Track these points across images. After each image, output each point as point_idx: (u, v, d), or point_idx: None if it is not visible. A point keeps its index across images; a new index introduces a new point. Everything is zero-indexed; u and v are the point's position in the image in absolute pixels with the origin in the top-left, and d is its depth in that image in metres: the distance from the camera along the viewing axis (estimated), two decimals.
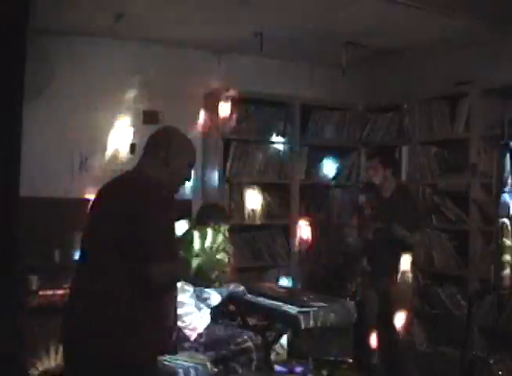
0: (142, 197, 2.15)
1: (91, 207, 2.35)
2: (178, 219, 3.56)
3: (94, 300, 2.14)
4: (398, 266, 4.00)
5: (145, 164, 2.33)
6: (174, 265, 2.23)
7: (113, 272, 2.13)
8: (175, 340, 2.37)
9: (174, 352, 2.42)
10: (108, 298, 2.11)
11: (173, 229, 2.24)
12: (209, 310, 3.56)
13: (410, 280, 4.13)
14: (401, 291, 4.00)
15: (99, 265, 2.16)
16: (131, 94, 4.54)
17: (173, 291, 2.37)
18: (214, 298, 3.54)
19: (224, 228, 3.67)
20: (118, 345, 2.10)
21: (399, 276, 4.00)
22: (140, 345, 2.12)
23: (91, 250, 2.23)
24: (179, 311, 3.39)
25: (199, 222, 3.65)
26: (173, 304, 2.37)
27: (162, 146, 2.32)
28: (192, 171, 2.43)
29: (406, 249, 4.06)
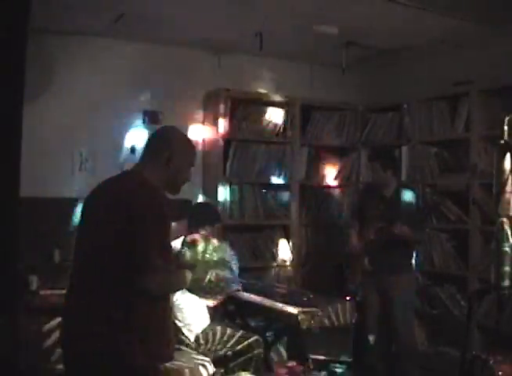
0: (138, 199, 2.13)
1: (85, 207, 2.33)
2: (178, 219, 3.58)
3: (91, 301, 2.13)
4: (399, 266, 4.01)
5: (146, 164, 2.30)
6: (171, 274, 2.24)
7: (109, 274, 2.11)
8: (173, 348, 2.35)
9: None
10: (105, 299, 2.11)
11: (169, 231, 2.22)
12: (205, 312, 3.57)
13: (411, 280, 4.13)
14: (402, 291, 4.00)
15: (95, 267, 2.15)
16: (131, 94, 4.54)
17: (169, 296, 2.35)
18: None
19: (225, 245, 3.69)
20: (117, 346, 2.09)
21: (400, 275, 4.01)
22: (140, 346, 2.11)
23: (86, 251, 2.22)
24: (179, 313, 3.40)
25: (191, 223, 3.67)
26: (169, 309, 2.36)
27: (165, 147, 2.30)
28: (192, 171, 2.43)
29: (408, 249, 4.07)
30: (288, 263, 4.94)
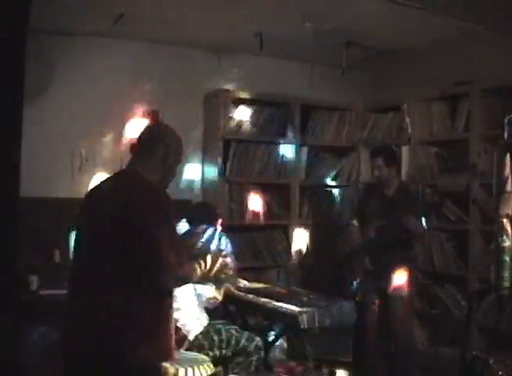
0: (143, 198, 2.14)
1: (85, 208, 2.33)
2: (179, 219, 3.58)
3: (92, 301, 2.13)
4: (400, 266, 4.01)
5: (141, 163, 2.31)
6: (183, 268, 2.24)
7: (112, 275, 2.11)
8: (173, 347, 2.36)
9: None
10: (107, 299, 2.11)
11: (173, 228, 2.23)
12: (204, 312, 3.56)
13: (412, 280, 4.13)
14: (402, 291, 4.00)
15: (97, 267, 2.15)
16: (131, 94, 4.54)
17: (172, 294, 2.36)
18: (208, 291, 3.54)
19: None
20: (118, 346, 2.09)
21: (401, 275, 4.01)
22: (142, 346, 2.11)
23: (88, 252, 2.22)
24: (178, 313, 3.40)
25: (190, 223, 3.67)
26: (171, 307, 2.36)
27: (161, 146, 2.32)
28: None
29: (408, 248, 4.06)
30: (288, 263, 4.94)
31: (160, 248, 2.09)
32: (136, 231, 2.09)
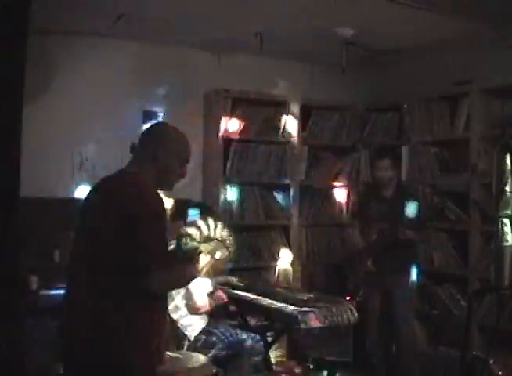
0: (132, 200, 2.13)
1: (82, 208, 2.32)
2: (178, 219, 3.56)
3: (89, 302, 2.12)
4: (401, 266, 4.01)
5: (137, 163, 2.30)
6: (176, 270, 2.23)
7: (107, 276, 2.11)
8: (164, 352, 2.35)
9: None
10: (104, 300, 2.10)
11: (163, 229, 2.18)
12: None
13: (413, 280, 4.14)
14: (404, 290, 4.01)
15: (93, 268, 2.14)
16: (131, 94, 4.54)
17: (165, 296, 2.35)
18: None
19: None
20: (117, 348, 2.09)
21: (403, 275, 4.02)
22: (138, 346, 2.12)
23: (85, 252, 2.21)
24: (178, 314, 3.41)
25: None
26: (165, 309, 2.36)
27: (151, 143, 2.30)
28: (188, 169, 2.40)
29: (410, 249, 4.06)
30: (288, 263, 4.94)
31: (149, 249, 2.07)
32: (124, 233, 2.07)
